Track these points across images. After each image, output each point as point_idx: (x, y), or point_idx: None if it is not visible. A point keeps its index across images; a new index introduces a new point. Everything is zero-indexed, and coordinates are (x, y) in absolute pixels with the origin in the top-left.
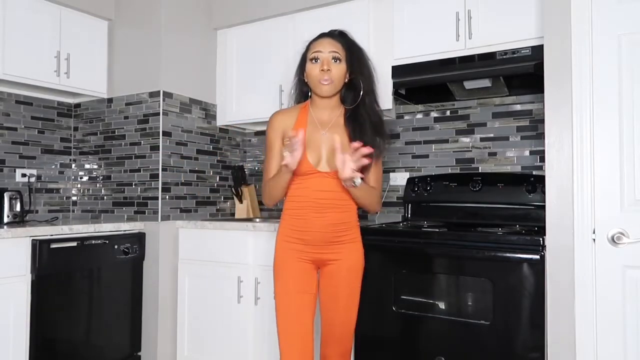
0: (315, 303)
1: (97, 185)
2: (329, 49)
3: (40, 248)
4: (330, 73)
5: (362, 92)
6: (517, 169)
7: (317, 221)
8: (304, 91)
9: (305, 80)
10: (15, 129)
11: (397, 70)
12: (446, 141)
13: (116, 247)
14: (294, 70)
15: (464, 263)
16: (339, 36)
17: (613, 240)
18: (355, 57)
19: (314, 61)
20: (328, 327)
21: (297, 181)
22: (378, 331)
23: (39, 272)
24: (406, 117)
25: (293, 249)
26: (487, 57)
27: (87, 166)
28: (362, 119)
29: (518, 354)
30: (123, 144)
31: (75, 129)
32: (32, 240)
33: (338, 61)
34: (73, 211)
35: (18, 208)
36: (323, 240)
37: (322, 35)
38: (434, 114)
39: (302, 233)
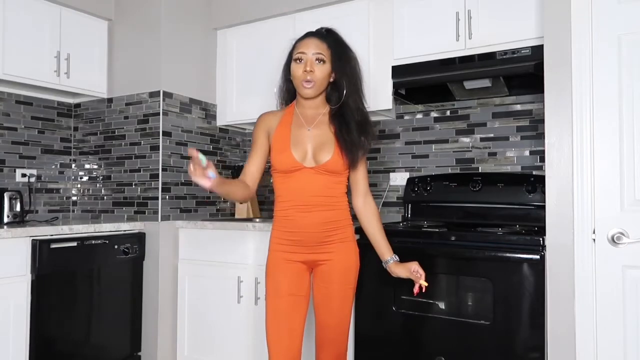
0: (307, 306)
1: (97, 185)
2: (313, 50)
3: (40, 248)
4: (312, 74)
5: (344, 93)
6: (517, 169)
7: (304, 220)
8: (290, 90)
9: (291, 79)
10: (15, 129)
11: (397, 70)
12: (446, 141)
13: (116, 247)
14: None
15: (464, 263)
16: (326, 35)
17: (613, 240)
18: (339, 56)
19: (298, 61)
20: (322, 329)
21: (282, 179)
22: (378, 331)
23: (39, 272)
24: (406, 117)
25: (284, 250)
26: (487, 57)
27: (87, 166)
28: (348, 118)
29: (518, 354)
30: (123, 144)
31: (75, 129)
32: (32, 240)
33: (322, 62)
34: (73, 211)
35: (18, 208)
36: (313, 240)
37: (308, 35)
38: (434, 114)
39: (292, 234)
